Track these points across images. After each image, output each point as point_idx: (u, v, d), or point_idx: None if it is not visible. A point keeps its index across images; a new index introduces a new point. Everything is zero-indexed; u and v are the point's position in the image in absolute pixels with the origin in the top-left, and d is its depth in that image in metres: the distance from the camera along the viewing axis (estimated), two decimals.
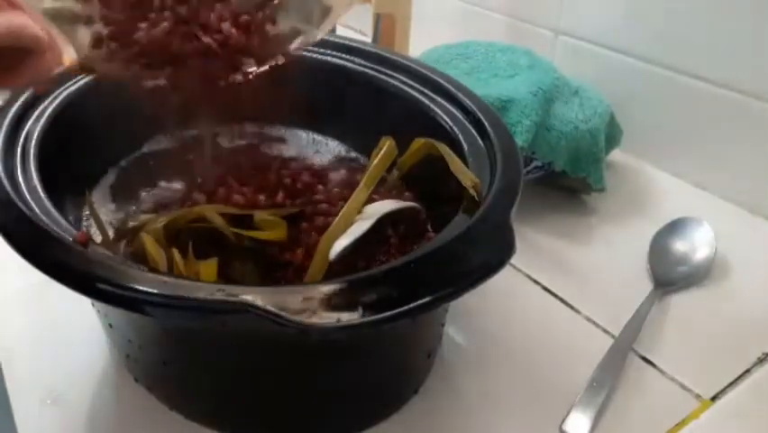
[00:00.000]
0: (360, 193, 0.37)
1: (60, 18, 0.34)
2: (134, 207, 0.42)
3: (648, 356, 0.42)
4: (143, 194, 0.44)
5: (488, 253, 0.30)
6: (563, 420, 0.37)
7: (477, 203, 0.34)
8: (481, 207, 0.33)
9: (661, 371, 0.41)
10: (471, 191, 0.35)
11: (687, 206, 0.55)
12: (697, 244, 0.50)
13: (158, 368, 0.35)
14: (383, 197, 0.41)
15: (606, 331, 0.44)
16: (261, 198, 0.37)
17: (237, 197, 0.37)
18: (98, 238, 0.36)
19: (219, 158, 0.42)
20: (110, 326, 0.38)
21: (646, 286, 0.47)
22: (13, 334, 0.42)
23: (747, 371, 0.41)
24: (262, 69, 0.37)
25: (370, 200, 0.38)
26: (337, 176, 0.42)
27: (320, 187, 0.39)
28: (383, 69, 0.48)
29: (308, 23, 0.38)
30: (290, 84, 0.50)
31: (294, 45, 0.38)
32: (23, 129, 0.38)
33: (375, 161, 0.41)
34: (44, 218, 0.32)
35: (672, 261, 0.49)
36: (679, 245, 0.50)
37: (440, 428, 0.37)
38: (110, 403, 0.38)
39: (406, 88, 0.46)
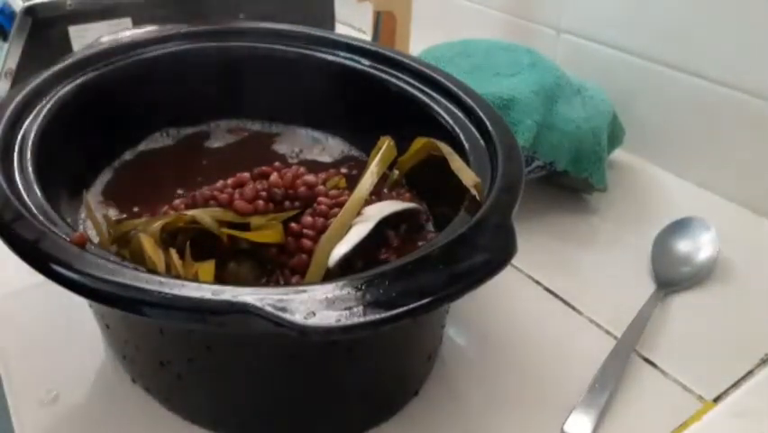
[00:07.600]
0: (358, 194, 0.37)
1: None
2: (132, 208, 0.42)
3: (650, 357, 0.41)
4: (140, 194, 0.43)
5: (489, 253, 0.29)
6: (565, 422, 0.36)
7: (478, 203, 0.34)
8: (483, 207, 0.33)
9: (663, 372, 0.41)
10: (473, 191, 0.35)
11: (690, 206, 0.54)
12: (700, 245, 0.49)
13: (155, 369, 0.35)
14: (384, 197, 0.40)
15: (608, 332, 0.43)
16: (261, 203, 0.37)
17: (240, 203, 0.37)
18: (96, 239, 0.36)
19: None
20: (107, 327, 0.37)
21: (649, 286, 0.47)
22: (11, 334, 0.42)
23: (750, 372, 0.41)
24: None
25: (370, 201, 0.38)
26: (337, 175, 0.42)
27: (320, 187, 0.39)
28: (383, 68, 0.47)
29: None
30: (290, 81, 0.50)
31: None
32: (21, 128, 0.38)
33: (374, 161, 0.40)
34: (42, 219, 0.31)
35: (674, 261, 0.49)
36: (682, 246, 0.50)
37: (440, 429, 0.37)
38: (108, 404, 0.37)
39: (406, 87, 0.46)
